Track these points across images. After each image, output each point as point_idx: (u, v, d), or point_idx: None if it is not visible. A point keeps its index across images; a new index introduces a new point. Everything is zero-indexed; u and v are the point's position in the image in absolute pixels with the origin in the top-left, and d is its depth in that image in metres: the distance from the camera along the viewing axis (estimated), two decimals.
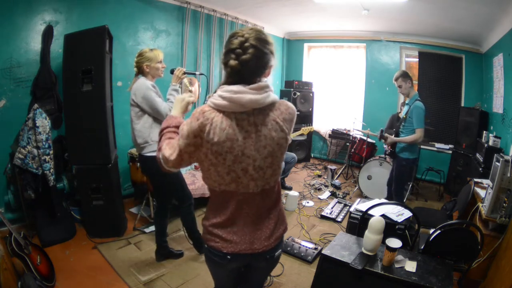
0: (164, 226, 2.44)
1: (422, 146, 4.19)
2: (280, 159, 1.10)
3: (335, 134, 5.42)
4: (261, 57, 1.01)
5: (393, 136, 3.07)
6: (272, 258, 1.19)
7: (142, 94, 2.04)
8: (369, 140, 4.56)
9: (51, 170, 2.59)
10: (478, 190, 2.49)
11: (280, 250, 1.23)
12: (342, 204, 3.72)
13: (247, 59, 0.99)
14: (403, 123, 2.98)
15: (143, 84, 2.07)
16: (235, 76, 1.01)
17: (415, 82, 5.05)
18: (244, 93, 0.98)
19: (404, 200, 3.54)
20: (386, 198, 3.33)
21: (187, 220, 2.42)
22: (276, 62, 1.04)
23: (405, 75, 2.88)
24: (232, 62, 0.99)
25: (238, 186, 1.06)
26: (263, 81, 1.07)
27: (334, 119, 5.77)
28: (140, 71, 2.17)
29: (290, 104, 1.11)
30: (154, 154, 2.10)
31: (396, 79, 2.92)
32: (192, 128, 1.00)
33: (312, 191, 4.27)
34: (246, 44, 0.99)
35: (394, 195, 3.16)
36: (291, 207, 3.58)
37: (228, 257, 1.11)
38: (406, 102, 2.98)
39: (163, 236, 2.45)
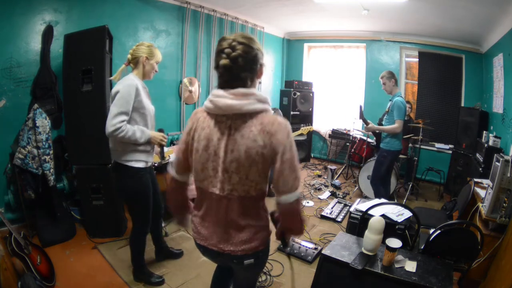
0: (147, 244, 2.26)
1: (422, 146, 4.19)
2: (249, 171, 1.04)
3: (335, 134, 5.43)
4: (249, 52, 1.05)
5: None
6: (241, 264, 1.15)
7: (121, 88, 1.78)
8: (369, 140, 4.56)
9: (51, 170, 2.59)
10: (478, 190, 2.49)
11: (251, 261, 1.15)
12: (342, 204, 3.72)
13: (236, 55, 1.03)
14: (385, 116, 3.30)
15: (132, 81, 1.82)
16: (227, 74, 1.06)
17: (415, 82, 5.06)
18: (221, 97, 1.04)
19: (391, 192, 3.73)
20: (375, 196, 3.34)
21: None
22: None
23: (390, 75, 3.20)
24: (224, 61, 1.04)
25: (208, 185, 1.12)
26: (255, 84, 1.12)
27: (334, 119, 5.78)
28: (133, 62, 1.91)
29: (280, 120, 1.05)
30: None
31: (382, 77, 3.24)
32: (188, 126, 1.16)
33: (312, 191, 4.27)
34: (234, 43, 1.04)
35: (372, 185, 3.41)
36: None
37: (201, 249, 1.22)
38: (390, 98, 3.26)
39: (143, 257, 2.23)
